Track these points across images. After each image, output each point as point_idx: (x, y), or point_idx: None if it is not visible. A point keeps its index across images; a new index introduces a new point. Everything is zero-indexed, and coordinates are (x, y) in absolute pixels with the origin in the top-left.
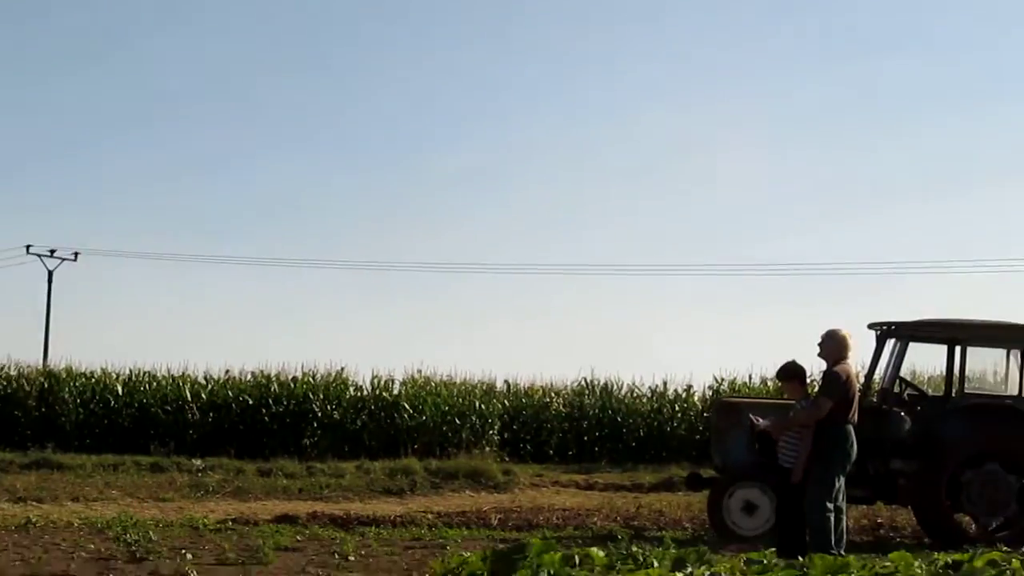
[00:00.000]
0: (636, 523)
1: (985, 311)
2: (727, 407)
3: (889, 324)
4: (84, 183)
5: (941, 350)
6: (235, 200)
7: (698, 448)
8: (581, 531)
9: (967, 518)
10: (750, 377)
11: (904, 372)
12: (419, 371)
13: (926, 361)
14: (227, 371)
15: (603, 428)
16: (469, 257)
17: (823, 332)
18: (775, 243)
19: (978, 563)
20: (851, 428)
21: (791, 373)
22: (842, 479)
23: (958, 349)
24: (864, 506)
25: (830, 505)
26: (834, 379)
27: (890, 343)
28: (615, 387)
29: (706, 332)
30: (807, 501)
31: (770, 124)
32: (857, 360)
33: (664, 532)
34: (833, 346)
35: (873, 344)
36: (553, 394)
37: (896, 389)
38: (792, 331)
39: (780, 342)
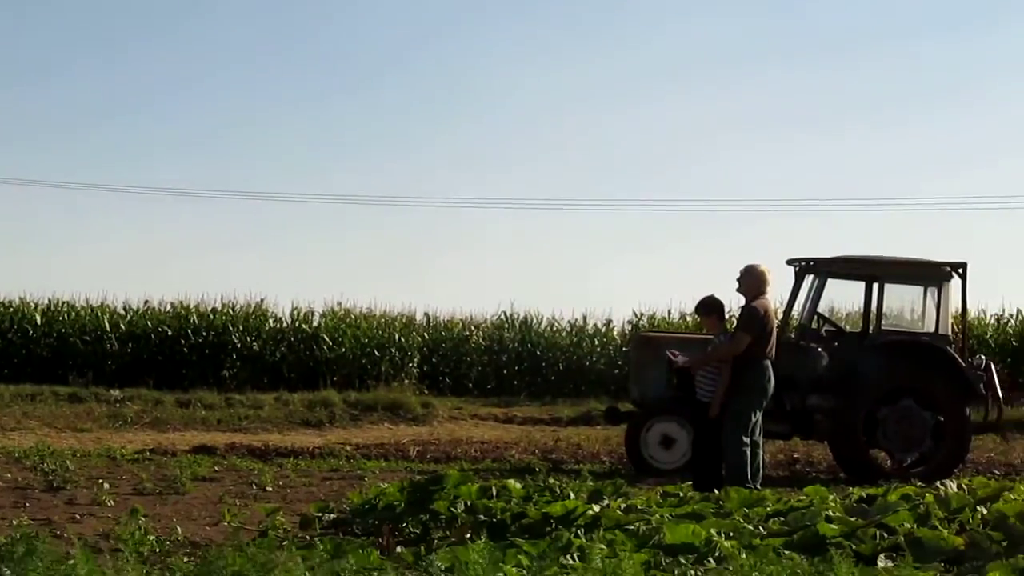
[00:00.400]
0: (554, 456)
1: (901, 249)
2: (646, 342)
3: (807, 260)
4: None
5: (859, 287)
6: (156, 131)
7: (617, 382)
8: (499, 464)
9: (882, 454)
10: (669, 312)
11: (822, 308)
12: (339, 304)
13: (845, 298)
14: (146, 302)
15: (522, 362)
16: (391, 190)
17: (742, 267)
18: (697, 179)
19: (892, 497)
20: (769, 363)
21: (709, 307)
22: (759, 414)
23: (875, 286)
24: (781, 441)
25: (747, 439)
26: (752, 314)
27: (808, 279)
28: (535, 321)
29: (627, 268)
30: (724, 435)
31: (681, 60)
32: (776, 296)
33: (582, 465)
34: (751, 281)
35: (792, 280)
36: (473, 328)
37: (814, 325)
38: (712, 267)
39: (700, 278)
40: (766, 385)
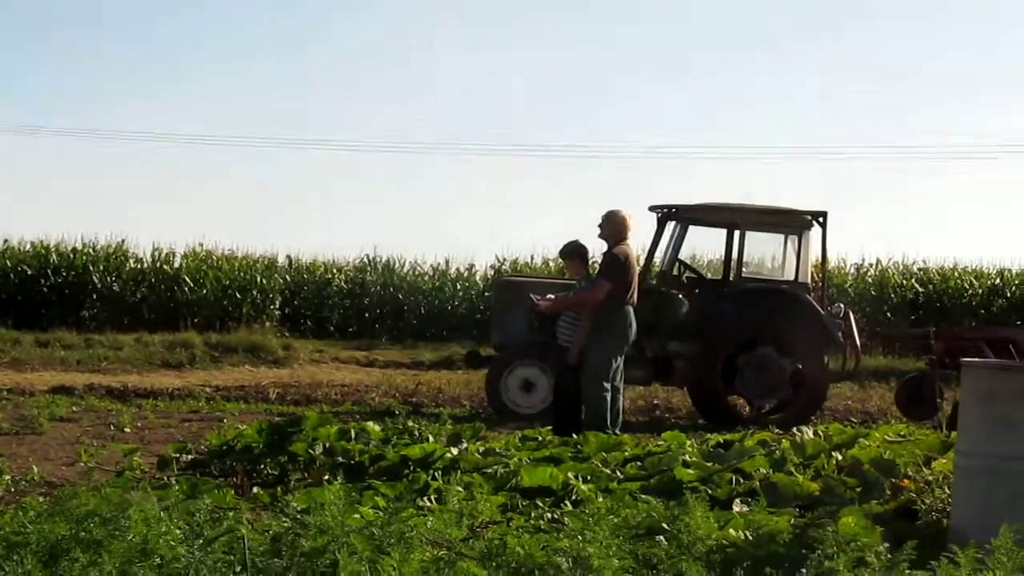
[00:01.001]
0: (415, 400)
1: (764, 198)
2: (508, 286)
3: (670, 207)
4: None
5: (720, 234)
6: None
7: (479, 327)
8: (359, 407)
9: (741, 400)
10: (532, 257)
11: (684, 256)
12: (200, 245)
13: (707, 246)
14: (5, 241)
15: (384, 306)
16: (253, 131)
17: (604, 213)
18: (566, 123)
19: (749, 443)
20: (630, 309)
21: (573, 252)
22: (620, 360)
23: (736, 234)
24: (641, 387)
25: (607, 385)
26: (614, 260)
27: (670, 226)
28: (397, 265)
29: (490, 212)
30: (584, 380)
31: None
32: (638, 243)
33: (442, 409)
34: (613, 227)
35: (654, 226)
36: (335, 270)
37: (675, 272)
38: (576, 213)
39: (564, 224)
40: (627, 331)
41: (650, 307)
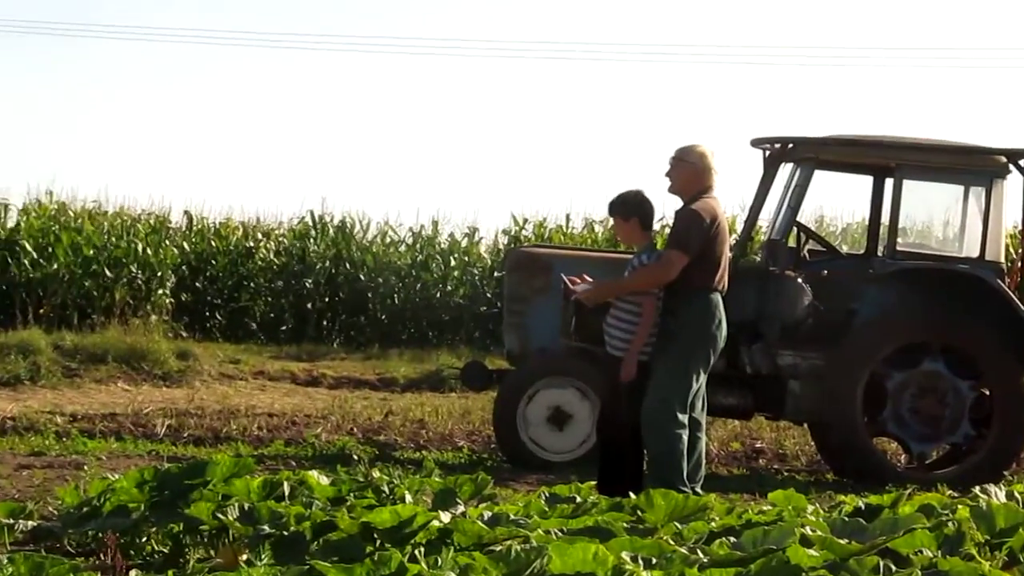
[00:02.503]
0: (383, 438)
1: (922, 129)
2: (528, 263)
3: (784, 141)
4: None
5: (863, 184)
6: None
7: (483, 325)
8: (297, 448)
9: (892, 444)
10: (568, 218)
11: (807, 218)
12: (49, 192)
13: (841, 202)
14: None
15: (336, 291)
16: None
17: (675, 151)
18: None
19: (905, 510)
20: (718, 299)
21: (630, 207)
22: (702, 377)
23: (889, 183)
24: (736, 421)
25: (682, 417)
26: (691, 222)
27: (786, 170)
28: (357, 228)
29: (506, 153)
30: (647, 409)
31: None
32: (732, 197)
33: (425, 453)
34: (689, 171)
35: (759, 171)
36: (261, 236)
37: (791, 242)
38: (636, 155)
39: (614, 173)
40: (714, 333)
41: (751, 296)
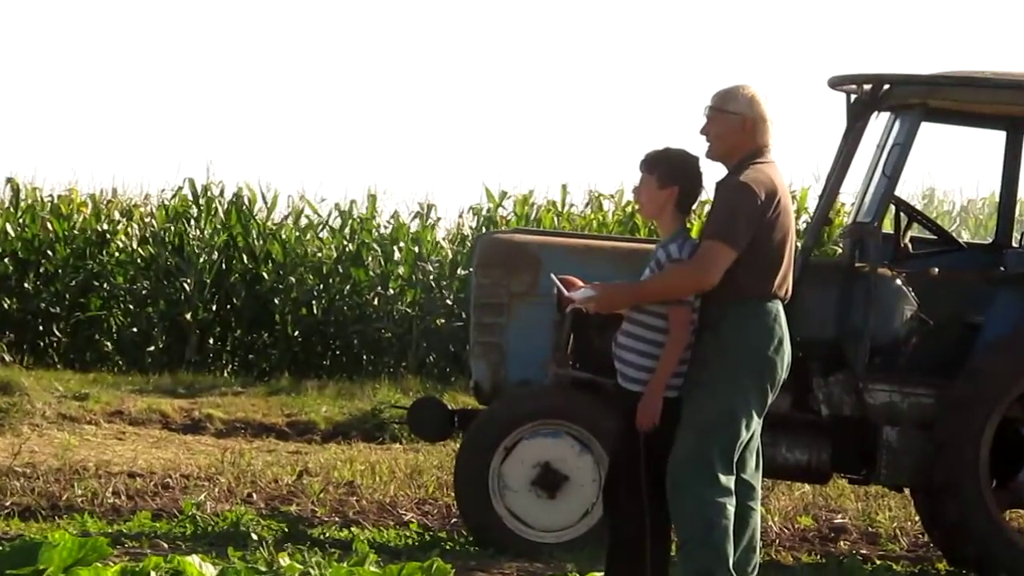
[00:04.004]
0: (295, 508)
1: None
2: (507, 255)
3: (879, 80)
4: None
5: (991, 142)
6: None
7: (439, 346)
8: (171, 522)
9: None
10: (564, 191)
11: (909, 194)
12: None
13: (956, 170)
14: None
15: (227, 295)
16: None
17: (712, 96)
18: None
19: None
20: (778, 309)
21: (671, 168)
22: (755, 423)
23: None
24: (807, 485)
25: (726, 479)
26: (739, 201)
27: (880, 123)
28: (258, 204)
29: (476, 107)
30: (675, 469)
31: None
32: (798, 165)
33: (357, 530)
34: (734, 125)
35: (840, 125)
36: (119, 215)
37: (889, 228)
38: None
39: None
40: (771, 358)
41: (829, 306)
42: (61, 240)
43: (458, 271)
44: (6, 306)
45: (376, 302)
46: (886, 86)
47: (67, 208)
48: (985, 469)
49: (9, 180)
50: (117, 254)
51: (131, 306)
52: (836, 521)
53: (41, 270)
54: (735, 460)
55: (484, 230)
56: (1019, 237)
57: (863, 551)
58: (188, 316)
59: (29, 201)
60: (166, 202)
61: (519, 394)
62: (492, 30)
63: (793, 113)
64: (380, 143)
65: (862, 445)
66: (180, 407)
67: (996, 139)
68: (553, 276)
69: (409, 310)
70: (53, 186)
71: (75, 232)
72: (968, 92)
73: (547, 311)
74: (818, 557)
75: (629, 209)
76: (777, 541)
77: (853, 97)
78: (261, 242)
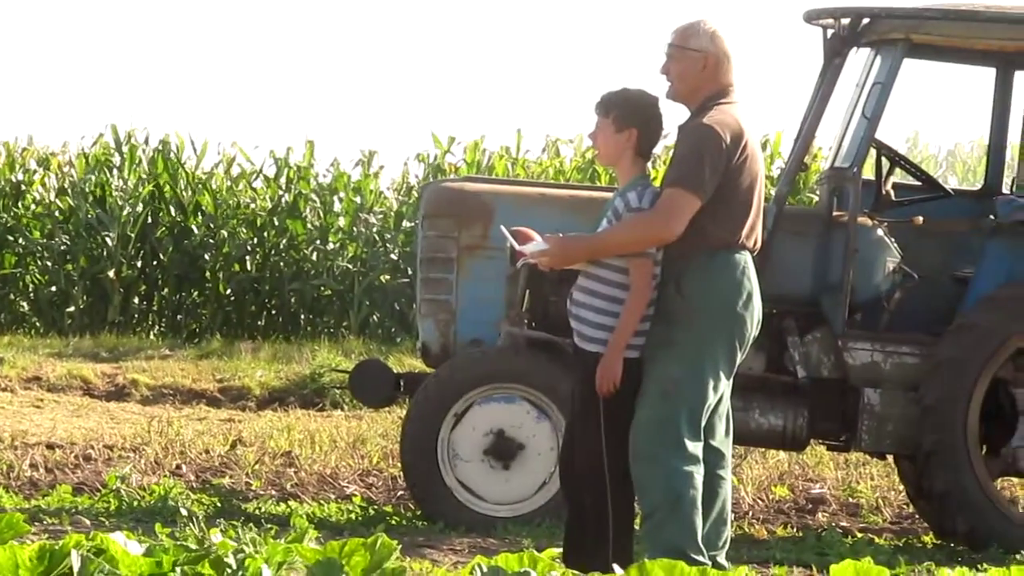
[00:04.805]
0: (228, 481)
1: None
2: (456, 206)
3: (857, 13)
4: None
5: (980, 79)
6: None
7: (383, 304)
8: (94, 497)
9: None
10: (519, 136)
11: (892, 138)
12: None
13: (939, 115)
14: None
15: (154, 250)
16: None
17: (672, 33)
18: None
19: None
20: (747, 261)
21: (628, 109)
22: (724, 385)
23: (1018, 77)
24: (782, 453)
25: (694, 446)
26: (703, 145)
27: (859, 59)
28: (186, 152)
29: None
30: (639, 434)
31: None
32: (769, 108)
33: (295, 504)
34: (696, 63)
35: (816, 62)
36: (35, 164)
37: (870, 174)
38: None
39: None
40: (741, 314)
41: (805, 257)
42: (7, 192)
43: (403, 223)
44: None
45: (315, 257)
46: (866, 19)
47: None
48: (975, 434)
49: None
50: (33, 206)
51: (49, 263)
52: (814, 491)
53: None
54: (703, 425)
55: (431, 178)
56: (1010, 183)
57: (843, 523)
58: (111, 273)
59: None
60: (86, 150)
61: (470, 355)
62: None
63: (765, 49)
64: (319, 89)
65: (842, 409)
66: (103, 372)
67: (985, 77)
68: (503, 228)
69: (350, 266)
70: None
71: (14, 181)
72: (955, 26)
73: (499, 266)
74: (795, 530)
75: (589, 155)
76: (750, 513)
77: (830, 32)
78: (190, 193)
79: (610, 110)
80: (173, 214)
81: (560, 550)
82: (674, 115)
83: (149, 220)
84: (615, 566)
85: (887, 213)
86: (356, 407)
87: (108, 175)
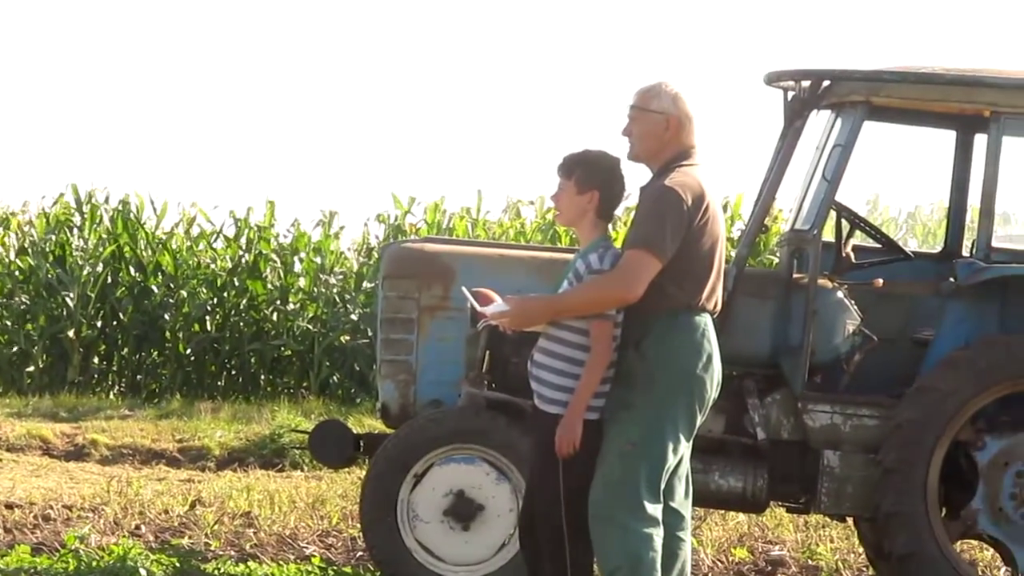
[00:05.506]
0: (188, 542)
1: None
2: (416, 267)
3: (818, 76)
4: None
5: (941, 142)
6: None
7: (343, 365)
8: (52, 558)
9: (988, 551)
10: (480, 197)
11: (852, 200)
12: None
13: (899, 177)
14: None
15: (113, 310)
16: None
17: (634, 94)
18: None
19: None
20: (707, 323)
21: (590, 171)
22: (684, 447)
23: (982, 142)
24: (742, 515)
25: (653, 509)
26: (665, 207)
27: (819, 122)
28: (147, 211)
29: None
30: (598, 497)
31: None
32: (730, 170)
33: (254, 565)
34: (657, 125)
35: (777, 125)
36: None
37: (830, 235)
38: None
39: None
40: (700, 376)
41: (765, 320)
42: None
43: (364, 284)
44: None
45: (275, 317)
46: (826, 82)
47: None
48: (935, 496)
49: None
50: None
51: (8, 322)
52: (773, 553)
53: None
54: (662, 487)
55: (391, 239)
56: (970, 245)
57: None
58: (71, 333)
59: None
60: (46, 210)
61: (430, 416)
62: (397, 32)
63: (726, 112)
64: (279, 149)
65: (802, 471)
66: (62, 432)
67: (945, 140)
68: (465, 289)
69: (311, 326)
70: None
71: None
72: (915, 89)
73: (460, 326)
74: None
75: (550, 216)
76: (710, 575)
77: (791, 94)
78: (150, 252)
79: (572, 172)
80: (133, 274)
81: None
82: (636, 176)
83: (109, 280)
84: None
85: (847, 275)
86: (316, 467)
87: (68, 235)
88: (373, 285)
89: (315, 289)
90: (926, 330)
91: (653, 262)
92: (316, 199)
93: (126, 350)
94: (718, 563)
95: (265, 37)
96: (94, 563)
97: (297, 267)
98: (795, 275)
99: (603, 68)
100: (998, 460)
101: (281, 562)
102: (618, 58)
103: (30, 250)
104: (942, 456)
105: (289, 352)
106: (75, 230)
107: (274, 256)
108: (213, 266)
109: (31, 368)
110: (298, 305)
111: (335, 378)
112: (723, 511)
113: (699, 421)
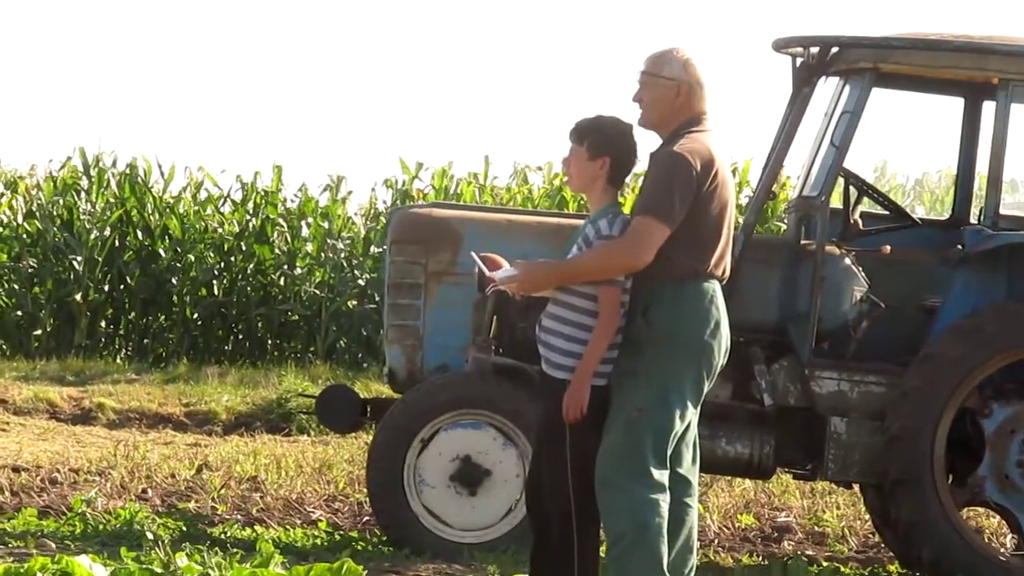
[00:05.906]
0: (194, 505)
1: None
2: (423, 232)
3: (826, 43)
4: None
5: (949, 110)
6: None
7: (350, 330)
8: (59, 520)
9: (994, 518)
10: (487, 162)
11: (860, 167)
12: None
13: (907, 145)
14: None
15: (121, 274)
16: None
17: (645, 60)
18: None
19: None
20: (716, 290)
21: (602, 137)
22: (691, 414)
23: (990, 109)
24: (748, 481)
25: (660, 475)
26: (674, 173)
27: (828, 89)
28: (154, 176)
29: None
30: (605, 463)
31: None
32: (740, 136)
33: (260, 529)
34: (668, 91)
35: (785, 91)
36: (2, 187)
37: (838, 202)
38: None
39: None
40: (708, 343)
41: (773, 286)
42: None
43: (371, 249)
44: None
45: (282, 282)
46: (834, 49)
47: None
48: (941, 463)
49: None
50: (0, 229)
51: (16, 286)
52: (780, 520)
53: None
54: (669, 453)
55: (399, 204)
56: (978, 213)
57: (809, 552)
58: (78, 297)
59: None
60: (54, 173)
61: (437, 382)
62: None
63: (735, 78)
64: (287, 113)
65: (808, 438)
66: (69, 396)
67: (954, 107)
68: (473, 254)
69: (318, 291)
70: None
71: None
72: (923, 55)
73: (467, 292)
74: (760, 559)
75: (557, 182)
76: (716, 541)
77: (799, 61)
78: (157, 217)
79: (584, 137)
80: (140, 238)
81: None
82: (646, 143)
83: (116, 244)
84: None
85: (855, 242)
86: (322, 432)
87: (76, 198)
88: (380, 250)
89: (322, 254)
90: (933, 297)
91: (662, 228)
92: (324, 164)
93: (133, 314)
94: (724, 529)
95: (274, 1)
96: (100, 526)
97: (304, 232)
98: (803, 242)
99: (612, 33)
100: (1005, 427)
101: (287, 526)
102: (627, 23)
103: (38, 214)
104: (949, 423)
105: (296, 317)
106: (82, 194)
107: (281, 221)
108: (220, 230)
109: (38, 332)
110: (305, 270)
111: (342, 343)
112: (730, 477)
113: (707, 388)
